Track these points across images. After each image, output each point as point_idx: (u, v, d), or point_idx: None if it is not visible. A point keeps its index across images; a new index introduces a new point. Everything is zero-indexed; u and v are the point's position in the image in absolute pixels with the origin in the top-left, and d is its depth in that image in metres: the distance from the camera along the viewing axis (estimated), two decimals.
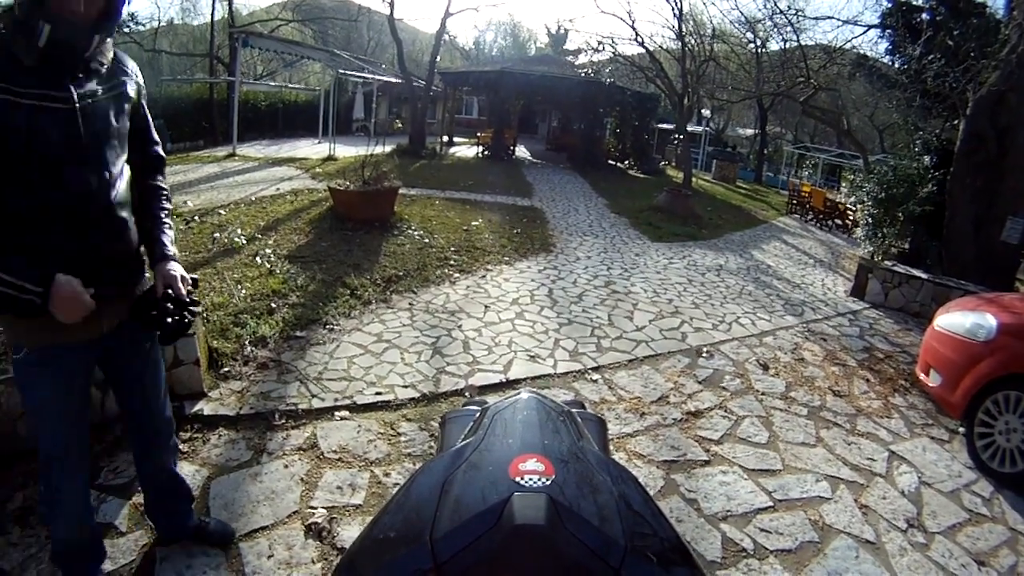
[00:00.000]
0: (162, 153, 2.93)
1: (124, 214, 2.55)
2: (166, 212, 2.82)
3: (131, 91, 2.61)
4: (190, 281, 2.72)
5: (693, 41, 31.87)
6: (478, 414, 1.88)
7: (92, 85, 2.39)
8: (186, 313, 2.61)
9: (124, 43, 30.84)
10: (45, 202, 2.28)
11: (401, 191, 13.41)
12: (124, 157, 2.58)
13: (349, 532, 3.82)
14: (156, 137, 2.90)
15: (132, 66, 2.67)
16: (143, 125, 2.78)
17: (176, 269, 2.67)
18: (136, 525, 3.73)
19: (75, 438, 2.75)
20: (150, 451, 3.18)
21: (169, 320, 2.56)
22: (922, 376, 6.45)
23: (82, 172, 2.35)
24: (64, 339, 2.49)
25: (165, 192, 2.90)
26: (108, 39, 2.46)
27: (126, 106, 2.57)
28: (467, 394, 5.72)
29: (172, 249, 2.73)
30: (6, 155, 2.19)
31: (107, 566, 3.39)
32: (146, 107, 2.80)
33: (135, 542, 3.61)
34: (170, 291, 2.60)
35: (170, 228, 2.79)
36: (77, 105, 2.30)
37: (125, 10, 2.61)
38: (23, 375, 2.58)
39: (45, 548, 3.47)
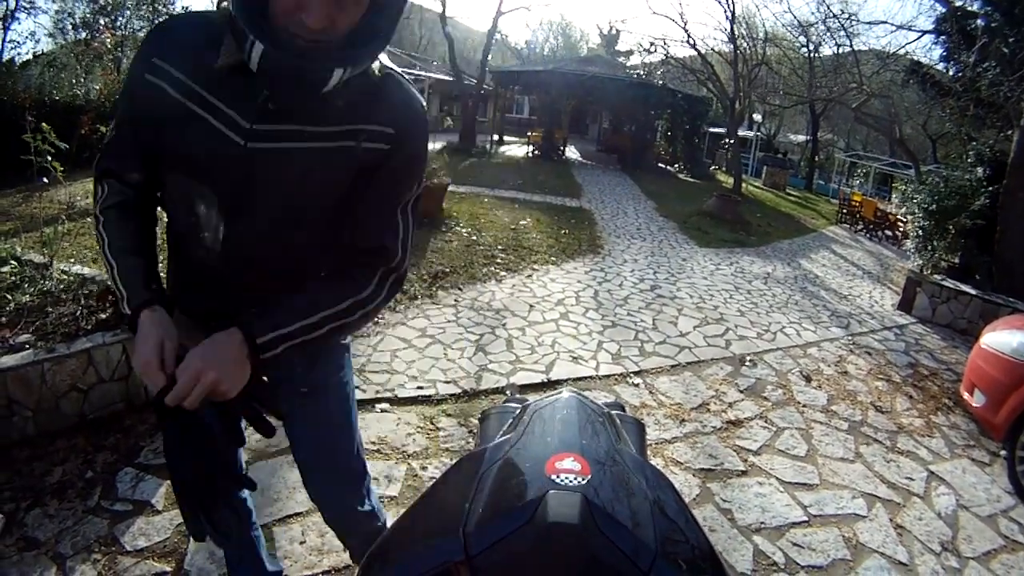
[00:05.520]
0: None
1: None
2: None
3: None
4: None
5: (745, 44, 31.69)
6: (518, 411, 1.88)
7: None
8: None
9: None
10: None
11: (450, 188, 13.46)
12: None
13: None
14: None
15: None
16: None
17: None
18: (172, 504, 3.77)
19: None
20: None
21: None
22: (966, 395, 6.33)
23: None
24: None
25: None
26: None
27: None
28: (508, 392, 5.74)
29: None
30: None
31: (141, 542, 3.46)
32: None
33: (170, 521, 3.66)
34: None
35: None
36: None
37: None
38: None
39: (81, 522, 3.55)
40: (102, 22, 21.30)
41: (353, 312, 1.83)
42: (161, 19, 2.01)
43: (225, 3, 1.65)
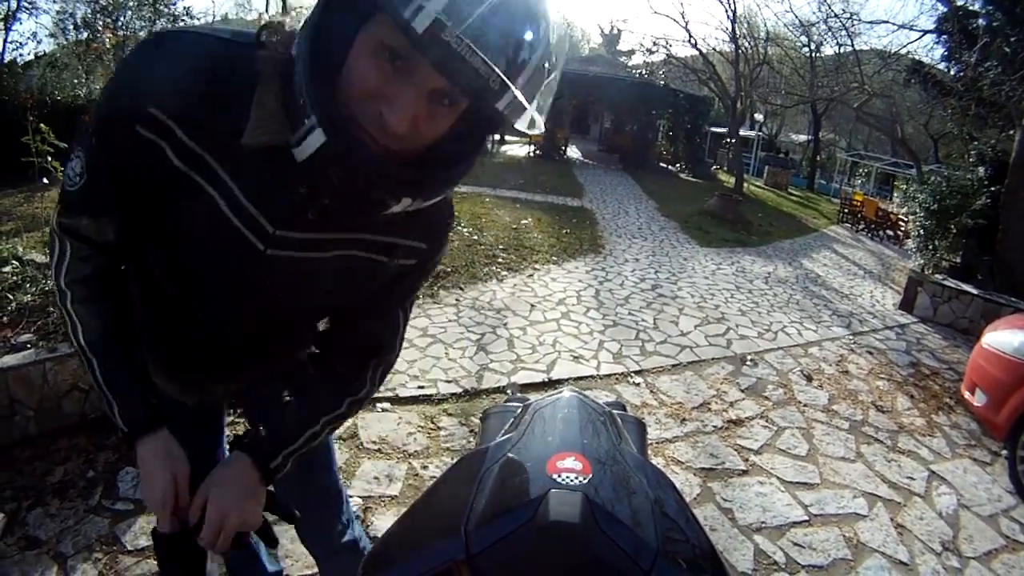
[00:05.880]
0: None
1: None
2: None
3: None
4: None
5: (747, 44, 31.72)
6: (519, 410, 1.88)
7: None
8: None
9: None
10: None
11: None
12: None
13: (383, 522, 3.85)
14: None
15: None
16: None
17: None
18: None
19: None
20: None
21: None
22: (967, 395, 6.31)
23: None
24: None
25: None
26: None
27: None
28: (509, 391, 5.74)
29: None
30: None
31: (142, 542, 3.46)
32: None
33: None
34: None
35: None
36: None
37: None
38: None
39: (82, 521, 3.55)
40: (100, 24, 21.29)
41: (350, 410, 1.67)
42: (159, 31, 1.43)
43: (270, 38, 1.21)
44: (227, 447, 2.18)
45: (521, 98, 1.05)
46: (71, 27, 21.97)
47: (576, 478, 1.26)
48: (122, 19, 22.36)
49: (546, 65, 1.13)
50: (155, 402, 1.44)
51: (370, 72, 1.08)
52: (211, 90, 1.21)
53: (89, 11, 21.84)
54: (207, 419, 2.07)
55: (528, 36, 1.06)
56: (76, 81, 15.27)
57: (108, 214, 1.37)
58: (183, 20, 26.69)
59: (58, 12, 22.29)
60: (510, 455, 1.44)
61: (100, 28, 20.55)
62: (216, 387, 1.85)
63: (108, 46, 17.91)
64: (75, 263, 1.41)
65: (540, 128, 1.16)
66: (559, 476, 1.26)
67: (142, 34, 23.06)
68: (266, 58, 1.20)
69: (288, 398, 1.62)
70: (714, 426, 5.71)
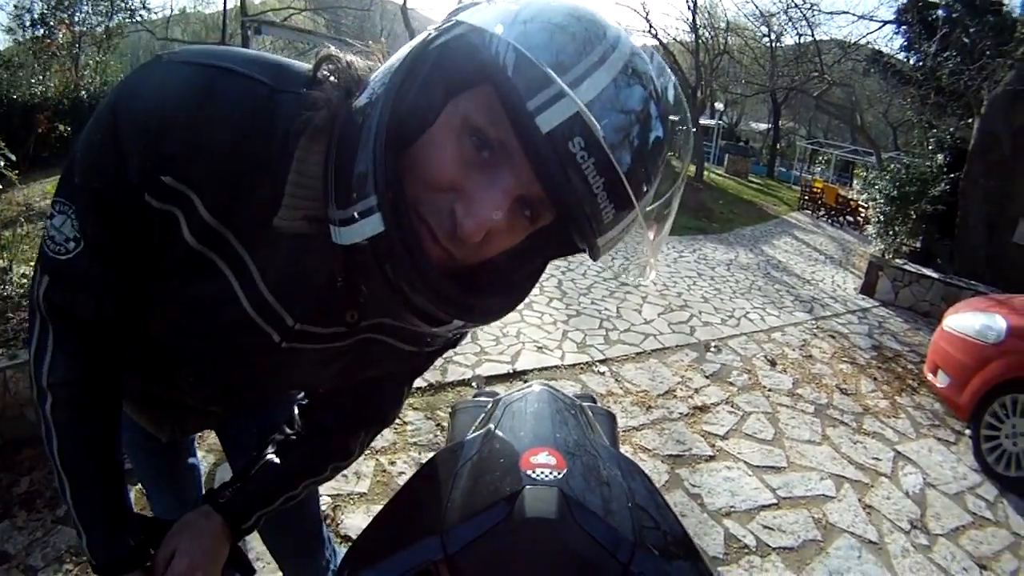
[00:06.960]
0: None
1: None
2: None
3: None
4: None
5: (707, 34, 31.85)
6: (489, 405, 1.87)
7: None
8: None
9: (135, 31, 30.87)
10: None
11: None
12: None
13: (353, 520, 3.83)
14: None
15: None
16: None
17: None
18: (143, 509, 3.73)
19: None
20: None
21: None
22: (930, 376, 6.42)
23: None
24: None
25: None
26: None
27: None
28: (474, 384, 5.72)
29: None
30: None
31: None
32: None
33: None
34: None
35: None
36: None
37: None
38: None
39: (51, 532, 3.49)
40: (53, 20, 20.88)
41: (332, 474, 1.50)
42: (173, 57, 0.97)
43: (329, 77, 0.97)
44: (197, 451, 2.14)
45: (650, 253, 0.91)
46: (28, 23, 21.55)
47: (551, 473, 1.25)
48: (78, 14, 21.92)
49: (668, 213, 0.99)
50: (134, 543, 1.23)
51: (449, 157, 0.84)
52: (245, 159, 0.95)
53: (45, 6, 21.41)
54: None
55: (658, 168, 0.87)
56: (33, 80, 15.03)
57: (111, 288, 1.08)
58: (140, 14, 26.29)
59: (15, 7, 21.82)
60: (483, 452, 1.43)
61: (54, 24, 20.18)
62: (193, 424, 1.73)
63: (62, 41, 17.58)
64: (62, 360, 1.13)
65: (646, 282, 1.01)
66: (534, 472, 1.25)
67: (99, 29, 22.67)
68: (318, 102, 0.93)
69: (270, 455, 1.42)
70: (680, 413, 5.74)
